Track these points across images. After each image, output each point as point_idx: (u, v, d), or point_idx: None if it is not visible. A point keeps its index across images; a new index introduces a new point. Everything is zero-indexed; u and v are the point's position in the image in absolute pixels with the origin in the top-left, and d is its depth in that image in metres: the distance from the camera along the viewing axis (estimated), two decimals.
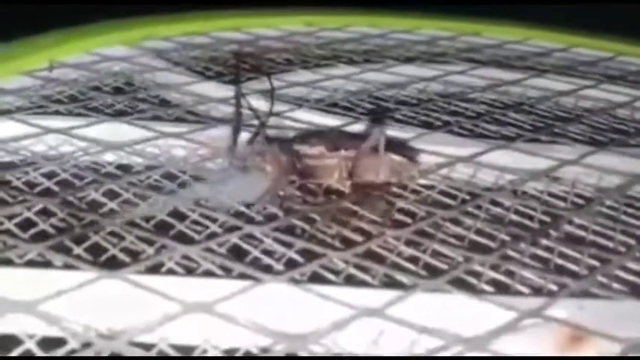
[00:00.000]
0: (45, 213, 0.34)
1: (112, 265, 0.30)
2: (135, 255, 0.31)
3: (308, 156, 0.38)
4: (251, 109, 0.40)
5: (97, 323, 0.27)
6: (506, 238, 0.34)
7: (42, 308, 0.27)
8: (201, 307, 0.28)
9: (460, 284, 0.30)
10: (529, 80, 0.55)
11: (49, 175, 0.37)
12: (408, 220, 0.35)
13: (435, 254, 0.32)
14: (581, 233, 0.35)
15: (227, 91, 0.50)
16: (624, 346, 0.27)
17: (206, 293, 0.28)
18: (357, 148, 0.38)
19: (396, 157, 0.39)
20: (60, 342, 0.26)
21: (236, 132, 0.40)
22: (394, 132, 0.44)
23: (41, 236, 0.32)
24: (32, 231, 0.32)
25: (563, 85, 0.55)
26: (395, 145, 0.40)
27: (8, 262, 0.30)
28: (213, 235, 0.33)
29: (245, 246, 0.32)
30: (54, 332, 0.27)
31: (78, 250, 0.31)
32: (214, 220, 0.34)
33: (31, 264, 0.30)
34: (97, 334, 0.26)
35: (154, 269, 0.30)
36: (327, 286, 0.30)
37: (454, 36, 0.66)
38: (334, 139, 0.40)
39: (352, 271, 0.31)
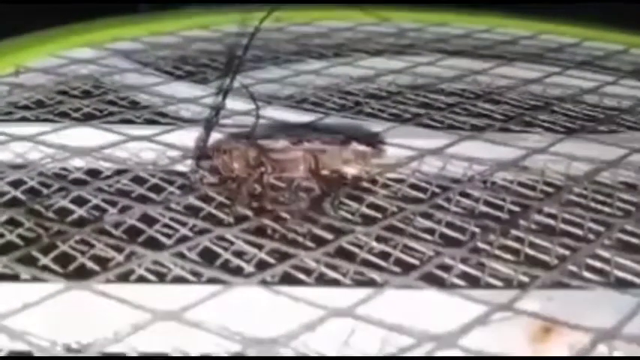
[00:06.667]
0: (12, 223, 0.33)
1: (81, 274, 0.30)
2: (104, 263, 0.31)
3: (273, 150, 0.38)
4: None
5: (65, 336, 0.27)
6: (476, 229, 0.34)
7: (7, 323, 0.27)
8: (171, 315, 0.28)
9: (431, 279, 0.30)
10: (497, 69, 0.55)
11: (16, 184, 0.37)
12: (379, 215, 0.35)
13: (406, 249, 0.32)
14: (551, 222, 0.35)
15: (196, 90, 0.50)
16: (594, 335, 0.27)
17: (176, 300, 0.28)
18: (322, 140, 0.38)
19: (361, 147, 0.39)
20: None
21: (208, 132, 0.40)
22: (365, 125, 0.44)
23: (8, 248, 0.32)
24: None
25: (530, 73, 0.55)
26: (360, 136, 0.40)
27: None
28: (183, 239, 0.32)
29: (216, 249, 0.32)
30: (20, 347, 0.26)
31: (45, 260, 0.31)
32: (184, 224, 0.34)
33: None
34: (64, 347, 0.26)
35: (124, 277, 0.30)
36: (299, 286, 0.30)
37: (422, 27, 0.66)
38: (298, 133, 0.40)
39: (323, 269, 0.31)
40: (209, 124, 0.42)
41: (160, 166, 0.39)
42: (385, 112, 0.47)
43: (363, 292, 0.29)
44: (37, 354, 0.26)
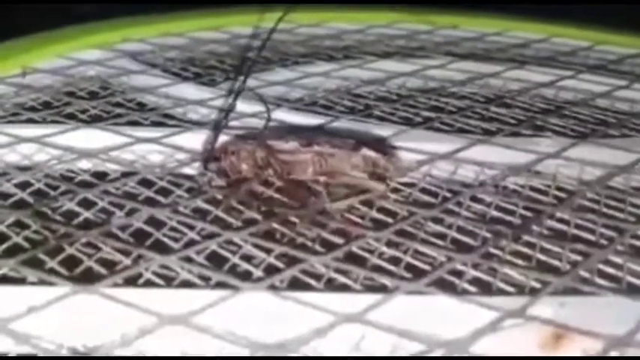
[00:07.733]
0: (18, 225, 0.33)
1: (88, 278, 0.29)
2: (111, 267, 0.30)
3: (282, 152, 0.37)
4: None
5: (71, 339, 0.27)
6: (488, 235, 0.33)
7: (13, 326, 0.27)
8: (178, 320, 0.27)
9: (442, 285, 0.30)
10: (508, 72, 0.55)
11: (22, 186, 0.37)
12: (389, 219, 0.35)
13: (417, 254, 0.32)
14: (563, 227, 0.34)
15: (204, 92, 0.50)
16: (606, 342, 0.27)
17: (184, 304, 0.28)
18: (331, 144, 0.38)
19: (371, 153, 0.38)
20: None
21: (216, 134, 0.40)
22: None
23: (14, 250, 0.31)
24: (5, 245, 0.32)
25: (542, 77, 0.54)
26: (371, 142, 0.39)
27: None
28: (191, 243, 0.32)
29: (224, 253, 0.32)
30: (26, 350, 0.26)
31: (52, 263, 0.30)
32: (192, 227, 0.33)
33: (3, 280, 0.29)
34: (71, 350, 0.26)
35: (131, 281, 0.29)
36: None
37: (432, 30, 0.66)
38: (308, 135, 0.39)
39: (333, 274, 0.30)
40: (217, 126, 0.41)
41: (168, 169, 0.39)
42: (395, 115, 0.47)
43: (373, 297, 0.29)
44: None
